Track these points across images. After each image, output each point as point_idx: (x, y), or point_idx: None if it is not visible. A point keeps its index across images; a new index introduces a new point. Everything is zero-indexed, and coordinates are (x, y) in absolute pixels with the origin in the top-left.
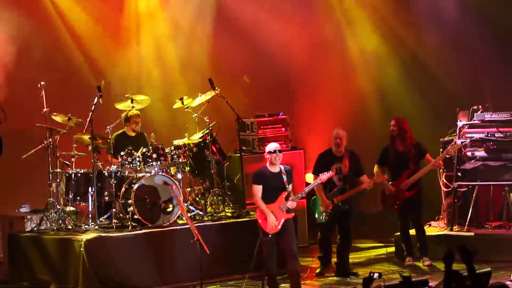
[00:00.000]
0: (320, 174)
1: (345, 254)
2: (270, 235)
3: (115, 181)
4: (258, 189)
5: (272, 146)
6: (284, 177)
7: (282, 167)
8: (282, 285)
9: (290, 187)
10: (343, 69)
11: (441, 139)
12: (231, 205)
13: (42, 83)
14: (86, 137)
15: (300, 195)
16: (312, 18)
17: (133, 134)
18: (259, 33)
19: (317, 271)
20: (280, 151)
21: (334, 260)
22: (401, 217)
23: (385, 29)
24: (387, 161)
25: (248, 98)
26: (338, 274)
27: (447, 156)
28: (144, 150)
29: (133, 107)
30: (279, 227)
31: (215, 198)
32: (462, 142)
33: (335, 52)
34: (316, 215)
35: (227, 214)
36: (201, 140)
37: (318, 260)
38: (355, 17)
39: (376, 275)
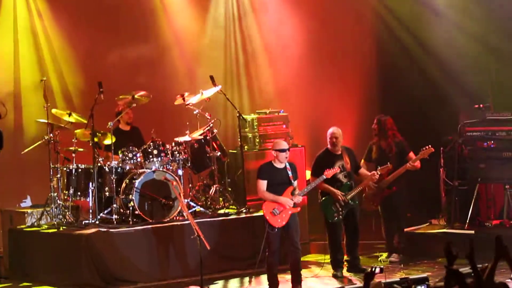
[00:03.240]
0: (325, 170)
1: (356, 251)
2: (276, 229)
3: (115, 177)
4: (263, 184)
5: (281, 144)
6: (289, 172)
7: (287, 163)
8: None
9: (295, 182)
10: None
11: (442, 137)
12: (231, 201)
13: (43, 78)
14: (86, 132)
15: (306, 189)
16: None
17: (128, 128)
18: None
19: (337, 274)
20: (288, 149)
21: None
22: (383, 214)
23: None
24: (371, 158)
25: (249, 95)
26: (351, 270)
27: (424, 158)
28: (145, 146)
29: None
30: (284, 222)
31: (215, 194)
32: (462, 140)
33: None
34: (328, 216)
35: (227, 210)
36: (202, 136)
37: (331, 265)
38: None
39: (378, 269)
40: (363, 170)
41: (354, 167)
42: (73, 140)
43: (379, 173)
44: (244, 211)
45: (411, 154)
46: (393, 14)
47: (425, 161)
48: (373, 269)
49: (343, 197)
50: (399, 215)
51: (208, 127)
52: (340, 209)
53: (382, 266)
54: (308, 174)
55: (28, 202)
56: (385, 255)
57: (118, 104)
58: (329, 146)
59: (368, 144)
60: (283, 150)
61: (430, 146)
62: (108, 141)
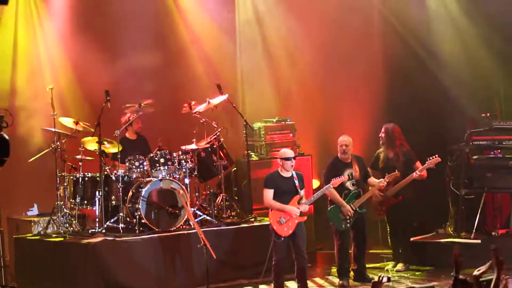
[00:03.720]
0: (331, 179)
1: (363, 260)
2: (282, 238)
3: (122, 185)
4: (269, 193)
5: (287, 152)
6: (296, 181)
7: (294, 172)
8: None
9: (302, 192)
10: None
11: (449, 146)
12: (238, 210)
13: (50, 86)
14: (92, 141)
15: (312, 198)
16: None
17: (135, 137)
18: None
19: (343, 284)
20: (294, 158)
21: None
22: (389, 223)
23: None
24: (378, 166)
25: (256, 104)
26: (357, 279)
27: (430, 167)
28: (152, 154)
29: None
30: (291, 231)
31: (222, 203)
32: (468, 149)
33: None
34: (336, 225)
35: (234, 219)
36: (208, 145)
37: (338, 274)
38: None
39: (385, 278)
40: (371, 179)
41: (363, 175)
42: (80, 148)
43: (387, 180)
44: (252, 219)
45: (418, 164)
46: (401, 21)
47: (432, 170)
48: (381, 278)
49: (351, 213)
50: (405, 225)
51: (215, 136)
52: (348, 217)
53: (389, 276)
54: (314, 183)
55: (35, 210)
56: (391, 264)
57: (126, 112)
58: (339, 154)
59: (375, 152)
60: (288, 159)
61: (436, 156)
62: (115, 149)
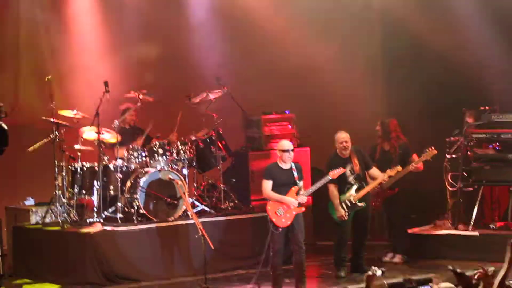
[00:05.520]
0: (330, 171)
1: (361, 251)
2: (280, 229)
3: (120, 175)
4: (268, 184)
5: (285, 144)
6: (295, 173)
7: (292, 164)
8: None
9: (301, 183)
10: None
11: (447, 139)
12: (236, 201)
13: (48, 77)
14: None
15: (310, 190)
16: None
17: (128, 127)
18: (267, 31)
19: (340, 274)
20: (292, 150)
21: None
22: (385, 215)
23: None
24: (374, 158)
25: (255, 96)
26: (354, 270)
27: (427, 159)
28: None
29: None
30: (289, 222)
31: (220, 194)
32: (468, 142)
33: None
34: (335, 217)
35: (232, 210)
36: (207, 136)
37: (335, 265)
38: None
39: (379, 272)
40: (374, 171)
41: (364, 167)
42: (79, 139)
43: (389, 175)
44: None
45: (414, 156)
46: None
47: (430, 163)
48: (374, 271)
49: (346, 217)
50: (402, 217)
51: (214, 127)
52: (346, 209)
53: (383, 268)
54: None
55: (31, 201)
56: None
57: (124, 103)
58: (338, 150)
59: (371, 145)
60: (286, 150)
61: (433, 148)
62: (113, 140)
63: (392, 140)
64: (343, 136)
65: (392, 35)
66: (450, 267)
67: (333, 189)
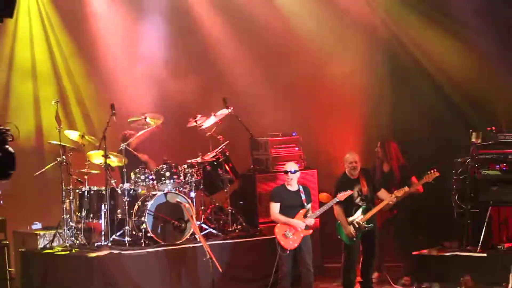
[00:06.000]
0: (338, 194)
1: (370, 273)
2: (288, 251)
3: (128, 199)
4: (275, 206)
5: (287, 166)
6: (303, 195)
7: (300, 186)
8: None
9: (309, 205)
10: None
11: (455, 160)
12: (243, 224)
13: (55, 100)
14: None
15: (318, 212)
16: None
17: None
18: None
19: None
20: (294, 171)
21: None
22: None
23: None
24: None
25: (262, 117)
26: None
27: (428, 182)
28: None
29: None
30: (296, 244)
31: (227, 217)
32: (474, 163)
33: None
34: (343, 239)
35: (240, 233)
36: (214, 159)
37: (343, 285)
38: None
39: None
40: (382, 193)
41: (372, 189)
42: (85, 162)
43: (396, 195)
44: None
45: (414, 179)
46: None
47: (437, 184)
48: None
49: (353, 233)
50: (403, 238)
51: (221, 150)
52: (354, 231)
53: None
54: (321, 197)
55: (38, 225)
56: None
57: (131, 127)
58: (347, 170)
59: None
60: (286, 172)
61: (435, 170)
62: (120, 164)
63: (392, 161)
64: (352, 156)
65: (399, 52)
66: None
67: (338, 209)
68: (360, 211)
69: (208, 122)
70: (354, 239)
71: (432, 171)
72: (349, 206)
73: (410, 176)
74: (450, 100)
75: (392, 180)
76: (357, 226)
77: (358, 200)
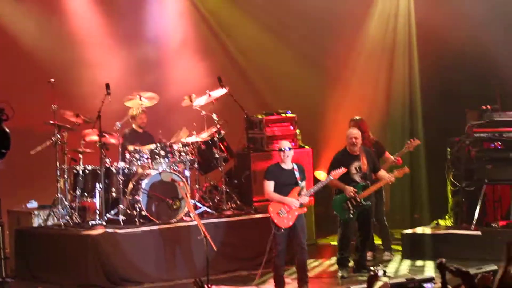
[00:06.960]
0: (332, 171)
1: (365, 251)
2: (282, 230)
3: (122, 178)
4: (269, 184)
5: (282, 144)
6: (297, 173)
7: (294, 164)
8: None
9: (303, 183)
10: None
11: (450, 138)
12: (238, 202)
13: (51, 80)
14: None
15: (312, 190)
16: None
17: (140, 130)
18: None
19: (340, 275)
20: (289, 149)
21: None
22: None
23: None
24: None
25: (257, 96)
26: (357, 270)
27: (406, 151)
28: (152, 147)
29: (141, 104)
30: (291, 223)
31: (222, 195)
32: (469, 142)
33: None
34: (340, 215)
35: (234, 211)
36: (209, 137)
37: (337, 264)
38: None
39: (380, 272)
40: (381, 173)
41: (372, 168)
42: (80, 142)
43: (396, 175)
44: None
45: (387, 154)
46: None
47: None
48: (376, 271)
49: (354, 193)
50: (379, 212)
51: (215, 128)
52: (351, 207)
53: (384, 269)
54: (317, 175)
55: (34, 203)
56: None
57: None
58: (347, 146)
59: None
60: (280, 150)
61: (415, 138)
62: (115, 141)
63: (365, 140)
64: (354, 132)
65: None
66: (454, 266)
67: (333, 180)
68: (358, 187)
69: (202, 101)
70: (351, 215)
71: (412, 140)
72: (347, 183)
73: (383, 152)
74: (447, 78)
75: None
76: (354, 203)
77: (356, 177)
